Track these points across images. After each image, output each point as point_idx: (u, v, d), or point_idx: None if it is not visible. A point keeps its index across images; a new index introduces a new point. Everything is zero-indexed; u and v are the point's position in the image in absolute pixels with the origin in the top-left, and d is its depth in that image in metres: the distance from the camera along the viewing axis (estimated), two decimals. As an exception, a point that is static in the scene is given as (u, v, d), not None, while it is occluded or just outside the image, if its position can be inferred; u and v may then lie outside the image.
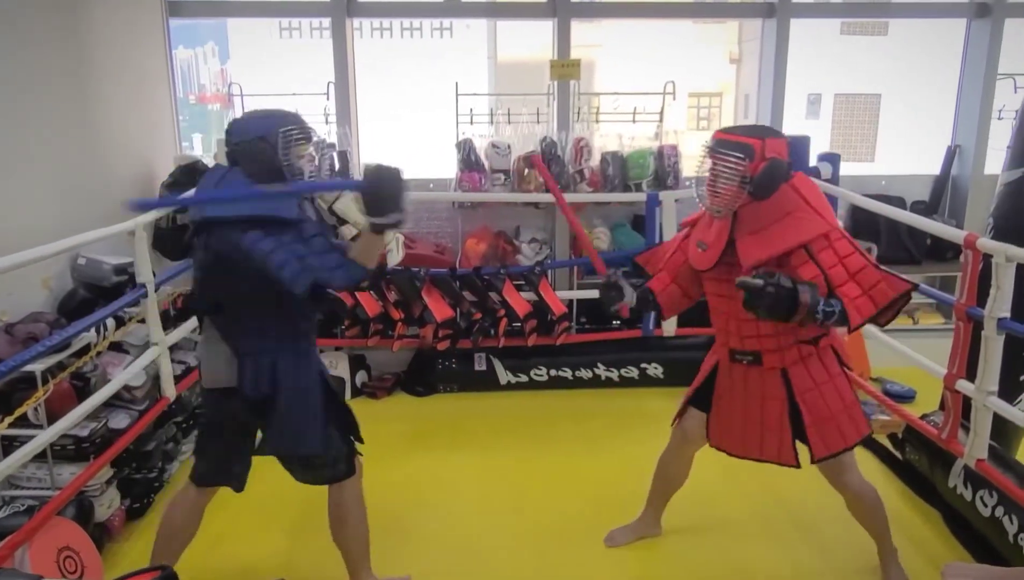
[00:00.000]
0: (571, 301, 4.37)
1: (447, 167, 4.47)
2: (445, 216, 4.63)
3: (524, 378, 4.36)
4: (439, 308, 4.03)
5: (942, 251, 4.63)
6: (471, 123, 4.49)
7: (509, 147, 4.34)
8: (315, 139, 2.31)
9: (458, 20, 17.26)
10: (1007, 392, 2.67)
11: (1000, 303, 2.48)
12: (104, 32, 3.79)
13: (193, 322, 3.59)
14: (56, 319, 2.94)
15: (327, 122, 4.49)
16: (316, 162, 2.26)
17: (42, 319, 2.87)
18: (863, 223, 4.58)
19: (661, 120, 4.55)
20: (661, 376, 4.35)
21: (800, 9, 4.72)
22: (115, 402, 2.91)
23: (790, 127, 4.71)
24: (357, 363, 4.37)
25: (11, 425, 2.40)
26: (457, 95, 4.45)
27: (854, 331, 2.29)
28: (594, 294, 4.07)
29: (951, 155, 4.84)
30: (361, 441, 2.40)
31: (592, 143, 4.42)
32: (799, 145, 3.99)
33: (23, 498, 2.50)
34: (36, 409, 2.49)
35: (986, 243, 2.59)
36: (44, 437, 2.40)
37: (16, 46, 3.12)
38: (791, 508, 3.02)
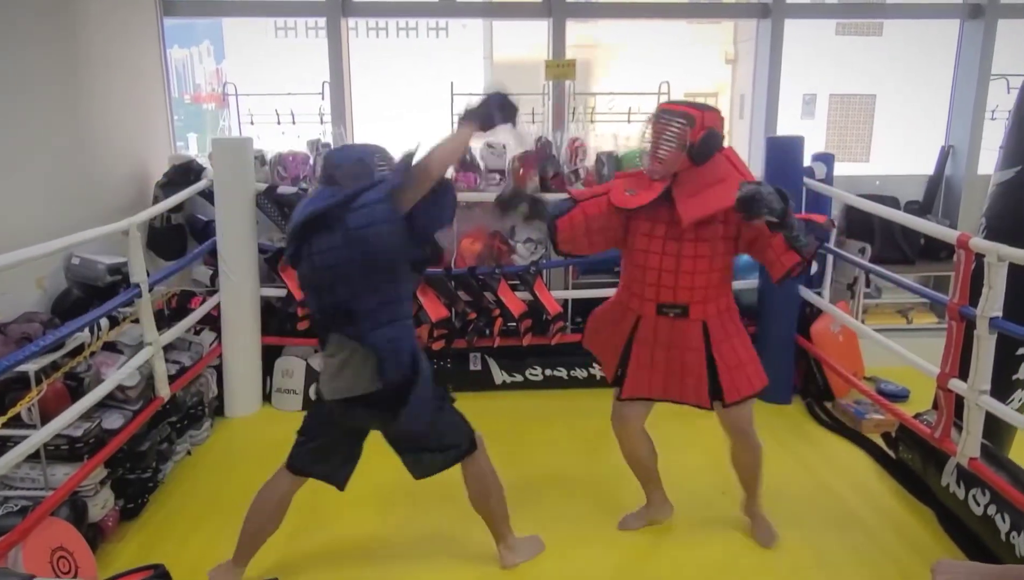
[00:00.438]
0: (566, 301, 4.37)
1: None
2: (440, 216, 4.62)
3: (519, 378, 4.36)
4: (434, 308, 4.03)
5: (935, 251, 4.65)
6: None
7: (504, 147, 4.34)
8: None
9: (454, 20, 17.24)
10: (999, 391, 2.68)
11: (992, 302, 2.49)
12: (98, 31, 3.79)
13: (186, 322, 3.59)
14: (50, 319, 2.94)
15: (322, 122, 4.49)
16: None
17: (36, 319, 2.87)
18: (857, 223, 4.60)
19: (656, 120, 4.56)
20: (656, 376, 4.35)
21: (795, 10, 4.73)
22: (109, 402, 2.90)
23: (785, 127, 4.74)
24: (352, 363, 4.36)
25: (4, 425, 2.40)
26: (452, 95, 4.45)
27: (788, 272, 2.42)
28: (592, 294, 4.10)
29: (944, 155, 4.86)
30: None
31: (587, 143, 4.43)
32: (793, 145, 4.02)
33: (16, 498, 2.49)
34: (30, 409, 2.49)
35: (979, 243, 2.60)
36: (37, 437, 2.40)
37: (9, 45, 3.12)
38: (787, 508, 3.03)
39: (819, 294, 4.08)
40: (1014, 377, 2.90)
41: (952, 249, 2.74)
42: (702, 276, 2.46)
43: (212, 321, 3.95)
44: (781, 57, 4.69)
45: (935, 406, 2.98)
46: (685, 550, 2.78)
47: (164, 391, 3.19)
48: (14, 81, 3.12)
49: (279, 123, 4.44)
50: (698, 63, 17.83)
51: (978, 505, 2.69)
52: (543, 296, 4.14)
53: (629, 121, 4.55)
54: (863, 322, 4.34)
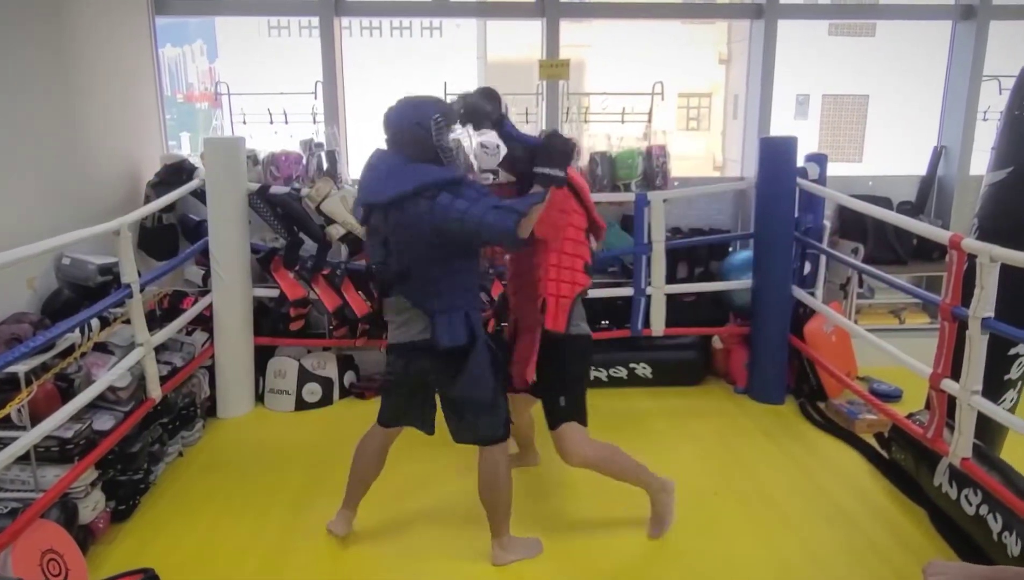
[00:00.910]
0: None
1: (436, 167, 4.45)
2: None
3: (513, 378, 4.35)
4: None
5: (928, 251, 4.66)
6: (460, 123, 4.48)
7: (498, 147, 4.33)
8: (456, 123, 2.57)
9: (448, 20, 17.24)
10: (991, 391, 2.69)
11: (984, 303, 2.50)
12: (89, 30, 3.76)
13: (178, 323, 3.58)
14: (40, 320, 2.92)
15: (315, 121, 4.48)
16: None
17: (26, 320, 2.85)
18: (850, 223, 4.61)
19: (650, 120, 4.56)
20: (650, 376, 4.34)
21: (788, 10, 4.74)
22: (100, 403, 2.89)
23: (778, 127, 4.74)
24: (345, 363, 4.35)
25: (-6, 427, 2.38)
26: (446, 94, 4.43)
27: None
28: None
29: (937, 156, 4.88)
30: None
31: (581, 143, 4.42)
32: (786, 146, 4.02)
33: (6, 500, 2.47)
34: (19, 410, 2.46)
35: (971, 243, 2.61)
36: (28, 439, 2.38)
37: (-1, 44, 3.10)
38: (780, 508, 3.03)
39: (812, 294, 4.09)
40: (1006, 377, 2.91)
41: (944, 250, 2.75)
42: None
43: (204, 321, 3.93)
44: (774, 57, 4.70)
45: (927, 406, 2.99)
46: (682, 548, 2.77)
47: (155, 392, 3.17)
48: (3, 81, 3.10)
49: (272, 122, 4.42)
50: (692, 63, 17.88)
51: (970, 505, 2.70)
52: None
53: (623, 121, 4.55)
54: (856, 322, 4.35)
